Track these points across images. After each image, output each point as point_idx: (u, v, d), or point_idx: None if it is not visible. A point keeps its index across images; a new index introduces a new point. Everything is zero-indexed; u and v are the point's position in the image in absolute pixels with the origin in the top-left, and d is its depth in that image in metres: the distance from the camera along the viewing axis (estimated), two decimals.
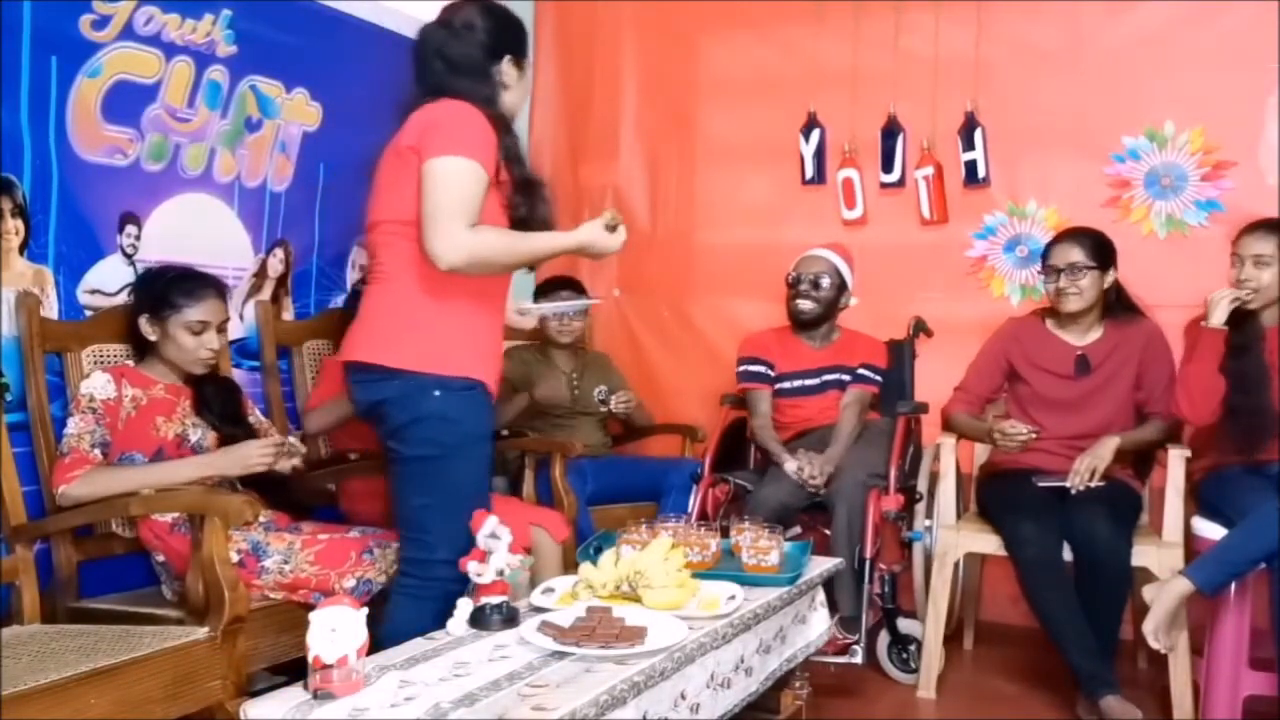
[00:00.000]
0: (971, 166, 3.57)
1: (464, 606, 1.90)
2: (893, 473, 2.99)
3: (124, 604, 2.29)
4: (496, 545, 1.91)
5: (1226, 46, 3.28)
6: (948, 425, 3.13)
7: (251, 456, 2.32)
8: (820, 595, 2.48)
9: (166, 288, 2.38)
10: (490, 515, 1.93)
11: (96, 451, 2.24)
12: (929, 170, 3.61)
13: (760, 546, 2.27)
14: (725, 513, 3.12)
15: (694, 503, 3.13)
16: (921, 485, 3.23)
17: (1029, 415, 3.02)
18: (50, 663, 1.80)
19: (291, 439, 2.45)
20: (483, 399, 2.14)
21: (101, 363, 2.43)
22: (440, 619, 1.91)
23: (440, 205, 1.99)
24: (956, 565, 3.01)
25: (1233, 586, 2.55)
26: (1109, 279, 2.97)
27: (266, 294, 3.02)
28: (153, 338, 2.39)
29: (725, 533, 2.42)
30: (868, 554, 2.87)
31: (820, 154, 3.80)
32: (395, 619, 2.06)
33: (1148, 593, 2.55)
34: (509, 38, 2.21)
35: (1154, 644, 2.52)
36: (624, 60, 4.18)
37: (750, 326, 3.56)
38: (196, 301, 2.38)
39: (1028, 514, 2.79)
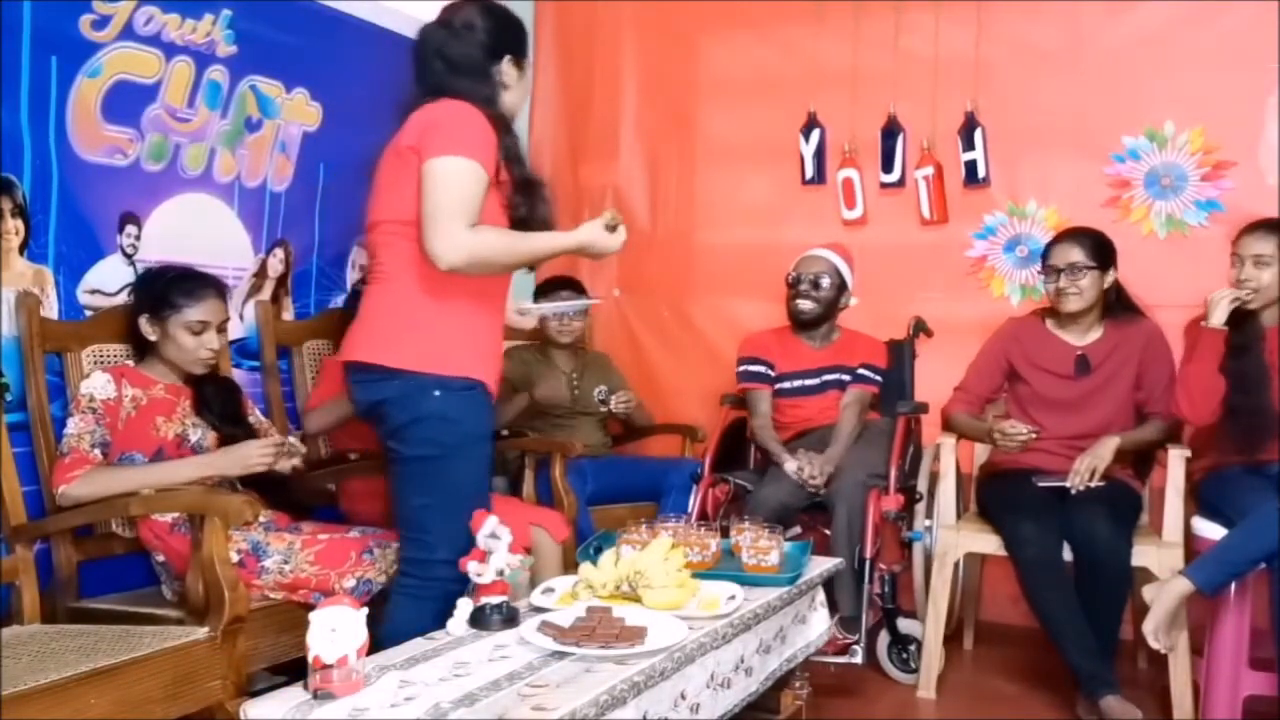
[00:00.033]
0: (971, 166, 3.57)
1: (464, 606, 1.90)
2: (893, 473, 2.99)
3: (124, 604, 2.29)
4: (496, 545, 1.91)
5: (1226, 46, 3.28)
6: (948, 425, 3.13)
7: (251, 456, 2.32)
8: (820, 595, 2.48)
9: (166, 288, 2.38)
10: (490, 515, 1.93)
11: (96, 451, 2.24)
12: (929, 170, 3.61)
13: (760, 546, 2.27)
14: (725, 513, 3.12)
15: (694, 503, 3.13)
16: (921, 485, 3.23)
17: (1029, 415, 3.02)
18: (50, 663, 1.80)
19: (291, 439, 2.45)
20: (483, 399, 2.14)
21: (101, 363, 2.43)
22: (440, 619, 1.91)
23: (440, 205, 1.99)
24: (956, 565, 3.01)
25: (1233, 586, 2.55)
26: (1109, 279, 2.97)
27: (266, 294, 3.02)
28: (153, 338, 2.39)
29: (725, 533, 2.42)
30: (868, 554, 2.87)
31: (820, 154, 3.80)
32: (395, 619, 2.06)
33: (1148, 593, 2.55)
34: (509, 38, 2.21)
35: (1154, 644, 2.52)
36: (624, 60, 4.18)
37: (750, 326, 3.56)
38: (196, 301, 2.38)
39: (1028, 514, 2.79)
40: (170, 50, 2.62)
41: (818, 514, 3.10)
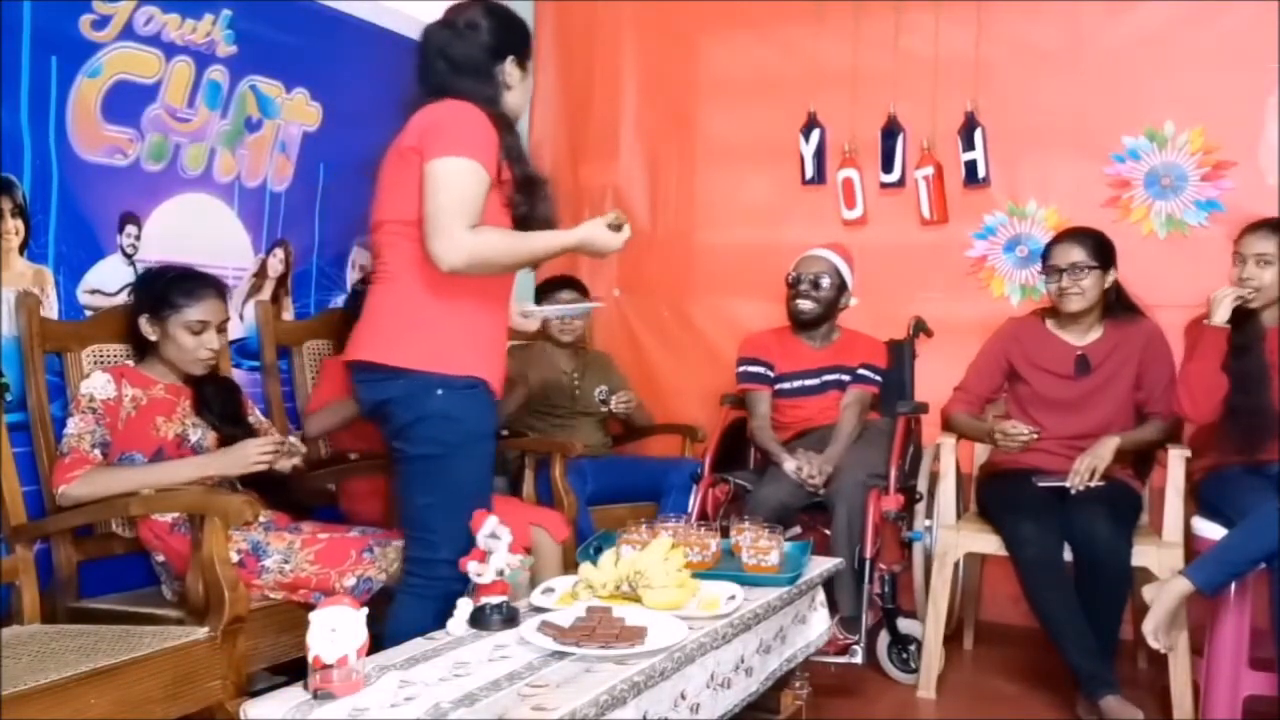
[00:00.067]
0: (971, 166, 3.57)
1: (464, 606, 1.90)
2: (893, 473, 2.99)
3: (124, 604, 2.29)
4: (496, 545, 1.91)
5: (1226, 46, 3.28)
6: (948, 425, 3.13)
7: (251, 456, 2.32)
8: (820, 595, 2.48)
9: (166, 288, 2.38)
10: (490, 515, 1.93)
11: (96, 451, 2.24)
12: (929, 170, 3.61)
13: (760, 546, 2.27)
14: (725, 513, 3.11)
15: (694, 503, 3.13)
16: (921, 485, 3.23)
17: (1029, 415, 3.02)
18: (50, 663, 1.80)
19: (291, 438, 2.45)
20: (485, 398, 2.14)
21: (101, 363, 2.43)
22: (443, 619, 1.91)
23: (441, 206, 2.00)
24: (956, 565, 3.01)
25: (1233, 586, 2.55)
26: (1110, 279, 2.97)
27: (266, 294, 3.02)
28: (153, 338, 2.39)
29: (725, 533, 2.42)
30: (868, 554, 2.87)
31: (820, 154, 3.80)
32: (399, 618, 2.07)
33: (1148, 593, 2.55)
34: (512, 38, 2.21)
35: (1154, 644, 2.52)
36: (624, 60, 4.18)
37: (750, 326, 3.56)
38: (196, 301, 2.38)
39: (1028, 514, 2.79)
40: (170, 50, 2.62)
41: (818, 514, 3.09)
